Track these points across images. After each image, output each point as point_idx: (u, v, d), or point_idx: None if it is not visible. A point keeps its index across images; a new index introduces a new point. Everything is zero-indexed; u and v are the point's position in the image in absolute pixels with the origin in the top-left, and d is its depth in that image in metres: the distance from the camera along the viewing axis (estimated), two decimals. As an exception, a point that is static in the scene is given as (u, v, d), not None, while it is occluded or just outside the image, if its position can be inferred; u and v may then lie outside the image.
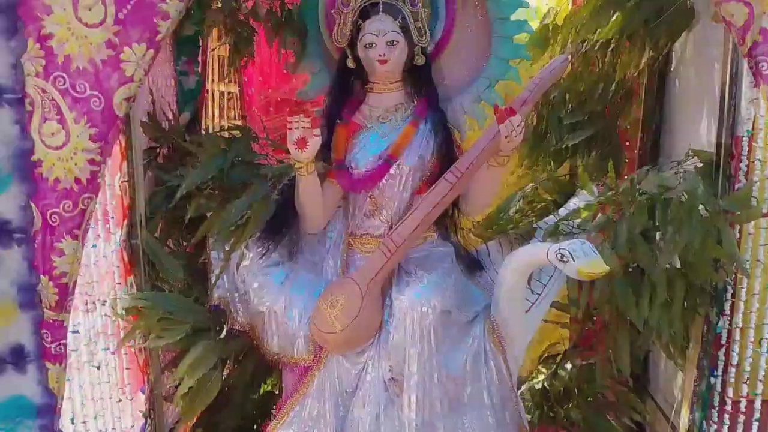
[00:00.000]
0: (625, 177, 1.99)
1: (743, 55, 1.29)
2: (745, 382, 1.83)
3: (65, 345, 1.17)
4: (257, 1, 2.05)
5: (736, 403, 1.88)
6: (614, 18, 2.07)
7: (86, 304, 1.73)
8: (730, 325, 1.87)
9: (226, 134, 1.98)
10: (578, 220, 1.93)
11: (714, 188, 1.83)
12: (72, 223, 1.18)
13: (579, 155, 2.31)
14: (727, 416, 1.91)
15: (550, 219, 2.00)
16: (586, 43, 2.20)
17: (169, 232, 2.00)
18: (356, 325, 1.73)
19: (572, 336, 2.42)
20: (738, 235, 1.82)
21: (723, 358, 1.90)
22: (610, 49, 2.18)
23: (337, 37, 1.86)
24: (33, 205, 1.06)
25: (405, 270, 1.82)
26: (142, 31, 1.16)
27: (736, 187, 1.81)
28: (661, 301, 1.83)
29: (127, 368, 1.87)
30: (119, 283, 1.83)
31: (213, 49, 2.30)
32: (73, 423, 1.60)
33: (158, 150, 2.01)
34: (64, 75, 1.15)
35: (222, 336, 1.94)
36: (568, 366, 2.23)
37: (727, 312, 1.87)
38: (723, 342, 1.90)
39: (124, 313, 1.83)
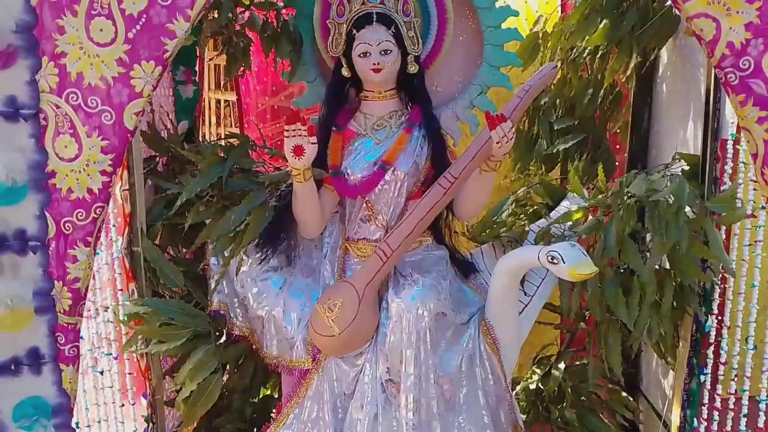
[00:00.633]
0: (615, 180, 2.04)
1: (713, 66, 1.35)
2: (733, 379, 1.88)
3: (78, 347, 1.22)
4: (253, 12, 2.09)
5: (725, 400, 1.93)
6: (602, 25, 2.12)
7: (89, 310, 1.76)
8: (719, 323, 1.92)
9: (225, 143, 2.01)
10: (569, 223, 1.98)
11: (700, 190, 1.88)
12: (84, 231, 1.23)
13: (569, 159, 2.35)
14: (716, 413, 1.96)
15: (542, 222, 2.04)
16: (574, 50, 2.26)
17: (169, 239, 2.03)
18: (354, 327, 1.75)
19: (565, 337, 2.47)
20: (724, 236, 1.87)
21: (712, 356, 1.95)
22: (598, 55, 2.24)
23: (332, 46, 1.88)
24: (47, 215, 1.10)
25: (401, 273, 1.85)
26: (150, 50, 1.22)
27: (722, 189, 1.86)
28: (651, 301, 1.87)
29: (129, 373, 1.90)
30: (121, 290, 1.87)
31: (210, 59, 2.34)
32: (77, 427, 1.63)
33: (157, 159, 2.05)
34: (77, 91, 1.21)
35: (221, 341, 1.97)
36: (562, 366, 2.26)
37: (715, 311, 1.92)
38: (712, 340, 1.95)
39: (126, 319, 1.86)
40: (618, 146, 2.57)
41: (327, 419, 1.83)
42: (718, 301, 1.90)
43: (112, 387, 1.79)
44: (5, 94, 0.96)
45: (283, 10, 2.06)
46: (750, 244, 1.81)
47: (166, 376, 2.06)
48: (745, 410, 1.87)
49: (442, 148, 1.92)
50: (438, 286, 1.79)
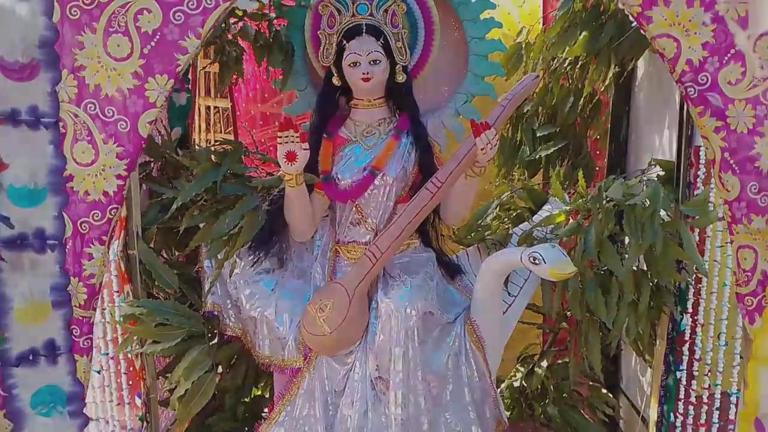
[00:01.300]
0: (595, 185, 2.12)
1: (675, 81, 1.45)
2: (707, 375, 1.97)
3: (92, 339, 1.28)
4: (246, 22, 2.15)
5: (699, 395, 2.01)
6: (581, 37, 2.21)
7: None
8: (693, 322, 2.01)
9: (219, 148, 2.07)
10: (551, 226, 2.05)
11: (675, 195, 1.97)
12: (100, 230, 1.31)
13: (551, 165, 2.44)
14: (691, 407, 2.04)
15: (525, 225, 2.11)
16: (556, 60, 2.34)
17: (163, 243, 2.08)
18: (344, 327, 1.81)
19: (547, 337, 2.55)
20: (698, 238, 1.96)
21: (687, 353, 2.04)
22: (578, 65, 2.32)
23: (323, 56, 1.95)
24: (65, 215, 1.16)
25: (390, 275, 1.91)
26: (164, 64, 1.30)
27: (695, 193, 1.95)
28: (629, 300, 1.94)
29: (124, 373, 1.94)
30: (117, 292, 1.91)
31: (204, 68, 2.39)
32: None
33: (152, 164, 2.10)
34: (95, 101, 1.29)
35: (215, 342, 2.02)
36: (544, 365, 2.33)
37: (690, 310, 2.01)
38: (687, 338, 2.04)
39: (122, 319, 1.91)
40: (598, 152, 2.67)
41: (318, 416, 1.88)
42: (693, 301, 1.99)
43: (109, 386, 1.83)
44: (28, 103, 1.03)
45: (275, 21, 2.12)
46: (722, 246, 1.89)
47: (160, 377, 2.10)
48: (717, 404, 1.95)
49: (429, 154, 1.98)
50: (425, 287, 1.85)
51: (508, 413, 2.23)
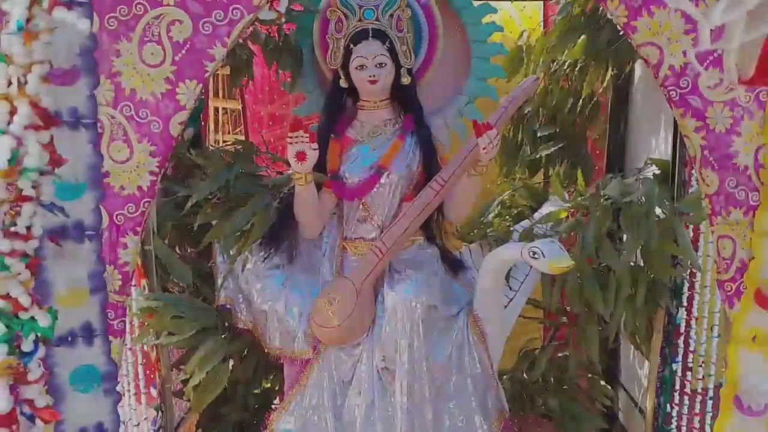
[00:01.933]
0: (594, 184, 2.19)
1: (659, 85, 1.54)
2: (701, 366, 2.04)
3: (125, 322, 1.37)
4: (256, 26, 2.22)
5: (694, 387, 2.08)
6: (580, 40, 2.28)
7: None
8: (688, 315, 2.08)
9: (232, 149, 2.14)
10: (551, 223, 2.12)
11: (670, 192, 2.04)
12: (134, 221, 1.42)
13: (551, 164, 2.51)
14: (687, 398, 2.11)
15: (526, 223, 2.18)
16: (555, 62, 2.41)
17: (177, 239, 2.16)
18: (352, 319, 1.88)
19: (548, 331, 2.62)
20: (691, 235, 2.03)
21: (682, 346, 2.11)
22: (577, 68, 2.39)
23: (331, 59, 2.01)
24: (102, 208, 1.26)
25: (395, 269, 1.98)
26: (193, 70, 1.41)
27: (689, 191, 2.02)
28: (626, 295, 2.02)
29: (141, 364, 2.02)
30: (134, 286, 1.99)
31: (215, 71, 2.46)
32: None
33: (167, 164, 2.17)
34: (130, 104, 1.39)
35: (227, 334, 2.10)
36: (545, 358, 2.40)
37: (685, 304, 2.08)
38: (682, 331, 2.11)
39: (139, 312, 1.99)
40: (598, 152, 2.73)
41: (327, 405, 1.94)
42: (687, 295, 2.06)
43: (127, 375, 1.91)
44: (69, 106, 1.11)
45: (285, 25, 2.19)
46: (713, 241, 1.96)
47: (174, 368, 2.18)
48: (711, 394, 2.02)
49: (432, 154, 2.05)
50: (429, 281, 1.92)
51: (509, 405, 2.30)
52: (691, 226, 2.00)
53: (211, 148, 2.40)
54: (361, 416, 1.90)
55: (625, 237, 2.02)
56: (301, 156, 1.82)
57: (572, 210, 2.14)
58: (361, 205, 2.03)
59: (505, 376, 2.44)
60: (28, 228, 1.02)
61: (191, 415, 2.19)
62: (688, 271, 2.05)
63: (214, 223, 2.02)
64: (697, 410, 2.04)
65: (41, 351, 1.03)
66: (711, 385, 2.01)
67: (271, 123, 2.89)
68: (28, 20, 0.91)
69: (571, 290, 2.06)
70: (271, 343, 2.02)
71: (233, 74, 2.32)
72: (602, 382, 2.44)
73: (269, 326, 2.00)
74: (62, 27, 0.96)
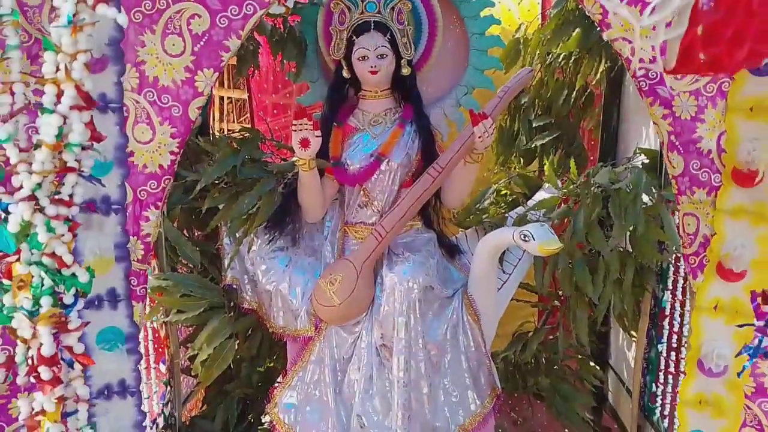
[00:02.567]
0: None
1: (630, 76, 1.63)
2: (684, 346, 2.13)
3: (146, 289, 1.48)
4: (262, 18, 2.30)
5: (677, 365, 2.18)
6: (575, 33, 2.35)
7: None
8: (673, 298, 2.17)
9: (238, 135, 2.23)
10: (544, 210, 2.21)
11: (658, 181, 2.12)
12: (155, 197, 1.54)
13: (546, 154, 2.59)
14: (671, 377, 2.21)
15: (520, 209, 2.27)
16: (551, 55, 2.49)
17: (187, 222, 2.25)
18: (352, 299, 1.97)
19: (542, 315, 2.71)
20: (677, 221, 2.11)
21: (667, 327, 2.20)
22: (572, 60, 2.47)
23: (334, 50, 2.09)
24: (126, 185, 1.37)
25: (394, 252, 2.06)
26: (210, 60, 1.54)
27: (676, 179, 2.10)
28: (614, 278, 2.10)
29: (151, 340, 2.12)
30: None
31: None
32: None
33: (176, 150, 2.26)
34: (153, 90, 1.52)
35: (233, 314, 2.19)
36: (537, 340, 2.49)
37: (671, 287, 2.17)
38: (667, 313, 2.20)
39: (150, 291, 2.08)
40: (593, 142, 2.82)
41: (328, 380, 2.04)
42: (673, 279, 2.15)
43: (140, 361, 2.00)
44: (98, 92, 1.21)
45: (290, 17, 2.26)
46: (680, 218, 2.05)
47: (182, 346, 2.28)
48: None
49: (431, 142, 2.13)
50: (426, 263, 2.01)
51: (503, 385, 2.38)
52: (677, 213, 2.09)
53: (217, 135, 2.48)
54: (360, 390, 1.99)
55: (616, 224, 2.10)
56: (304, 143, 1.91)
57: (564, 197, 2.22)
58: (361, 191, 2.11)
59: (498, 358, 2.55)
60: (70, 196, 1.15)
61: (198, 390, 2.29)
62: (674, 256, 2.14)
63: (221, 206, 2.10)
64: (679, 389, 2.13)
65: (80, 304, 1.15)
66: (693, 365, 2.10)
67: (275, 111, 2.97)
68: (74, 14, 1.02)
69: (561, 274, 2.15)
70: (275, 322, 2.11)
71: (239, 64, 2.39)
72: (591, 363, 2.53)
73: (273, 306, 2.10)
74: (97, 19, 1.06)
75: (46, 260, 1.11)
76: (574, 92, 2.51)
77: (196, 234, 2.32)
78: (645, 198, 2.03)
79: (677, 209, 1.72)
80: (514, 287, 2.20)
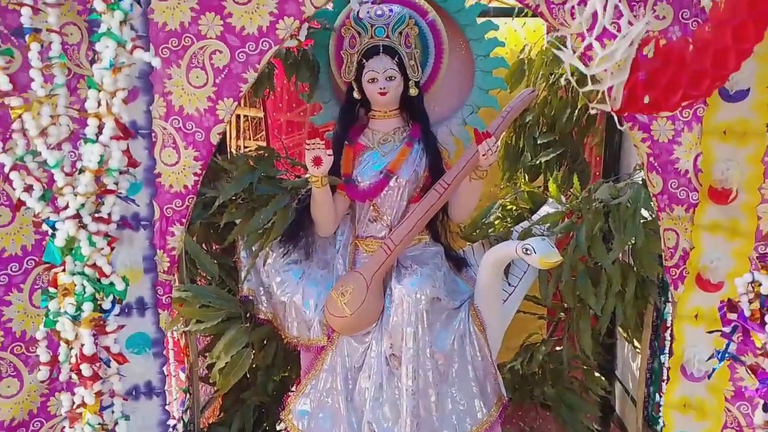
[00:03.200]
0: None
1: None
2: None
3: (171, 298, 1.59)
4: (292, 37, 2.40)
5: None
6: (577, 54, 2.44)
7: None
8: (674, 310, 2.23)
9: (255, 154, 2.34)
10: (548, 224, 2.29)
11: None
12: (180, 214, 1.68)
13: (550, 170, 2.67)
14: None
15: (525, 224, 2.35)
16: (553, 75, 2.58)
17: (205, 236, 2.36)
18: (362, 310, 2.05)
19: (549, 326, 2.78)
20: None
21: (669, 338, 2.26)
22: (575, 79, 2.55)
23: (345, 73, 2.18)
24: (154, 203, 1.50)
25: (402, 265, 2.15)
26: (230, 91, 1.68)
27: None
28: (616, 291, 2.18)
29: (172, 349, 2.22)
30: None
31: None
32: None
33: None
34: (179, 118, 1.67)
35: (249, 324, 2.29)
36: (544, 351, 2.56)
37: (672, 299, 2.23)
38: (669, 325, 2.26)
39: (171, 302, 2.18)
40: (598, 158, 2.89)
41: (339, 388, 2.12)
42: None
43: (165, 365, 2.10)
44: (130, 119, 1.34)
45: (303, 41, 2.38)
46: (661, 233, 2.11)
47: (200, 355, 2.38)
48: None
49: (438, 160, 2.21)
50: (434, 276, 2.09)
51: (511, 395, 2.45)
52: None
53: (234, 153, 2.59)
54: (371, 398, 2.07)
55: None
56: (317, 161, 2.00)
57: (568, 212, 2.30)
58: (371, 207, 2.20)
59: (506, 368, 2.61)
60: (109, 214, 1.29)
61: (216, 398, 2.39)
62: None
63: (238, 221, 2.20)
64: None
65: (116, 309, 1.28)
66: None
67: (290, 129, 3.09)
68: (114, 58, 1.15)
69: (565, 286, 2.23)
70: (289, 332, 2.20)
71: (256, 85, 2.48)
72: (596, 374, 2.59)
73: (288, 316, 2.18)
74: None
75: (88, 271, 1.25)
76: (577, 110, 2.59)
77: (214, 247, 2.42)
78: (644, 213, 2.10)
79: (657, 220, 1.81)
80: (519, 299, 2.27)
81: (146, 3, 1.41)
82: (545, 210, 2.38)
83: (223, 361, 2.16)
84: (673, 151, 1.67)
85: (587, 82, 1.21)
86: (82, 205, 1.24)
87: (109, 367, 1.29)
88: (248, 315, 2.26)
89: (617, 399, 2.79)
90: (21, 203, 1.32)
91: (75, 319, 1.23)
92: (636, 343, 2.41)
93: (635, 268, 2.21)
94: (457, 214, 2.27)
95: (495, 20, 2.31)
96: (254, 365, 2.44)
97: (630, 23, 1.13)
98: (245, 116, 3.45)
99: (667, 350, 2.25)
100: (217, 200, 2.16)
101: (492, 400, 2.17)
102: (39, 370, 1.31)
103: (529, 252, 1.92)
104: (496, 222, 2.45)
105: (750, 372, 1.34)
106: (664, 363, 2.29)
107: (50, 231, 1.27)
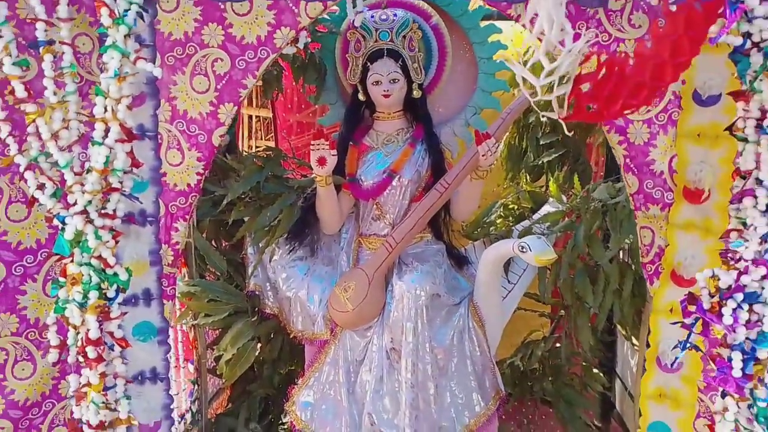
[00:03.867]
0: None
1: None
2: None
3: (175, 289, 1.69)
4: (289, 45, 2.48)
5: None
6: (578, 57, 2.48)
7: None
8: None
9: (262, 154, 2.41)
10: (548, 223, 2.33)
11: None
12: (184, 211, 1.80)
13: (552, 170, 2.71)
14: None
15: (525, 223, 2.39)
16: (556, 77, 2.62)
17: (214, 233, 2.44)
18: (364, 305, 2.12)
19: (551, 324, 2.82)
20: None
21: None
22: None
23: (351, 76, 2.25)
24: (160, 200, 1.60)
25: (404, 262, 2.20)
26: (231, 96, 1.80)
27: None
28: (613, 288, 2.22)
29: (181, 342, 2.31)
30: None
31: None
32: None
33: (205, 167, 2.46)
34: (183, 121, 1.79)
35: (255, 318, 2.36)
36: (544, 347, 2.60)
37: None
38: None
39: (180, 296, 2.27)
40: (602, 158, 2.92)
41: (341, 381, 2.19)
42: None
43: (169, 352, 2.19)
44: (138, 122, 1.46)
45: (310, 45, 2.44)
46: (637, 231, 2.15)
47: (209, 348, 2.46)
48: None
49: (440, 160, 2.27)
50: (434, 273, 2.15)
51: (511, 390, 2.50)
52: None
53: (244, 153, 2.67)
54: (371, 391, 2.13)
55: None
56: (321, 161, 2.07)
57: (568, 211, 2.34)
58: (375, 205, 2.26)
59: (505, 365, 2.66)
60: (114, 211, 1.40)
61: (224, 390, 2.46)
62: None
63: (246, 219, 2.27)
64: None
65: (120, 297, 1.40)
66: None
67: (299, 130, 3.16)
68: (119, 68, 1.24)
69: (563, 284, 2.27)
70: (294, 326, 2.27)
71: (265, 87, 2.58)
72: (595, 370, 2.63)
73: (293, 311, 2.26)
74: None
75: (94, 262, 1.36)
76: (579, 111, 2.62)
77: (223, 244, 2.49)
78: (641, 212, 2.14)
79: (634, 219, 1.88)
80: (518, 296, 2.32)
81: (153, 14, 1.51)
82: (546, 209, 2.42)
83: (229, 353, 2.24)
84: (649, 153, 1.74)
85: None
86: (90, 201, 1.35)
87: (112, 350, 1.39)
88: (255, 309, 2.33)
89: (617, 396, 2.83)
90: (34, 200, 1.45)
91: (82, 306, 1.34)
92: (634, 341, 2.44)
93: (633, 267, 2.25)
94: (459, 213, 2.32)
95: (498, 23, 2.36)
96: (261, 358, 2.51)
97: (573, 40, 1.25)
98: (257, 117, 3.53)
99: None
100: (225, 198, 2.23)
101: (490, 394, 2.22)
102: (50, 352, 1.43)
103: (525, 250, 1.97)
104: (497, 221, 2.49)
105: (710, 360, 1.41)
106: (660, 360, 2.32)
107: (60, 225, 1.38)
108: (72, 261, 1.36)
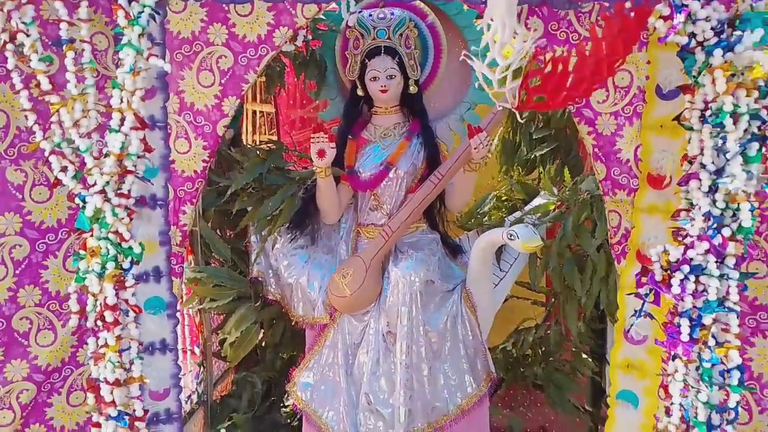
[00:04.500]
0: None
1: None
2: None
3: (183, 267, 1.82)
4: (288, 42, 2.58)
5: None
6: (568, 54, 2.57)
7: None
8: (656, 294, 2.36)
9: (265, 147, 2.52)
10: (539, 214, 2.42)
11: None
12: (191, 195, 1.96)
13: (545, 163, 2.79)
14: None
15: (517, 213, 2.48)
16: (548, 73, 2.70)
17: (219, 222, 2.54)
18: (362, 290, 2.21)
19: (544, 311, 2.91)
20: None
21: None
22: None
23: (350, 72, 2.34)
24: (169, 185, 1.75)
25: (400, 250, 2.30)
26: (234, 90, 1.94)
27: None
28: (601, 276, 2.31)
29: (187, 325, 2.42)
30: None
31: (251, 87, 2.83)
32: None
33: (211, 159, 2.56)
34: (190, 113, 1.95)
35: (258, 304, 2.47)
36: (535, 334, 2.70)
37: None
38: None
39: (187, 282, 2.38)
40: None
41: (340, 362, 2.29)
42: (656, 276, 2.34)
43: (177, 325, 2.29)
44: (149, 114, 1.61)
45: (311, 42, 2.53)
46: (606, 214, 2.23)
47: (214, 333, 2.57)
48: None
49: (435, 153, 2.36)
50: (428, 260, 2.25)
51: (503, 375, 2.60)
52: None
53: (248, 146, 2.77)
54: (368, 372, 2.23)
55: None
56: (321, 153, 2.17)
57: (558, 203, 2.44)
58: (372, 196, 2.35)
59: (497, 350, 2.75)
60: (129, 191, 1.55)
61: (228, 372, 2.57)
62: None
63: (249, 209, 2.37)
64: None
65: (134, 268, 1.55)
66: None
67: (301, 125, 3.27)
68: (134, 63, 1.39)
69: (553, 272, 2.36)
70: (295, 311, 2.37)
71: (268, 83, 2.67)
72: (584, 356, 2.73)
73: (294, 297, 2.36)
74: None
75: (111, 236, 1.51)
76: (571, 107, 2.71)
77: (227, 232, 2.60)
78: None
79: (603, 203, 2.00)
80: (510, 283, 2.41)
81: (163, 15, 1.63)
82: (537, 201, 2.51)
83: (233, 336, 2.34)
84: (616, 143, 1.85)
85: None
86: (107, 182, 1.51)
87: (127, 316, 1.55)
88: (258, 295, 2.43)
89: (607, 381, 2.91)
90: (58, 181, 1.61)
91: (100, 276, 1.50)
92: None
93: (619, 255, 2.33)
94: (453, 204, 2.41)
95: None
96: (263, 343, 2.62)
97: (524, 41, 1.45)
98: (261, 112, 3.63)
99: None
100: (229, 189, 2.33)
101: (481, 376, 2.32)
102: (70, 318, 1.59)
103: (513, 237, 2.07)
104: (491, 212, 2.58)
105: (662, 327, 1.54)
106: (646, 346, 2.41)
107: (81, 204, 1.55)
108: (92, 235, 1.52)
